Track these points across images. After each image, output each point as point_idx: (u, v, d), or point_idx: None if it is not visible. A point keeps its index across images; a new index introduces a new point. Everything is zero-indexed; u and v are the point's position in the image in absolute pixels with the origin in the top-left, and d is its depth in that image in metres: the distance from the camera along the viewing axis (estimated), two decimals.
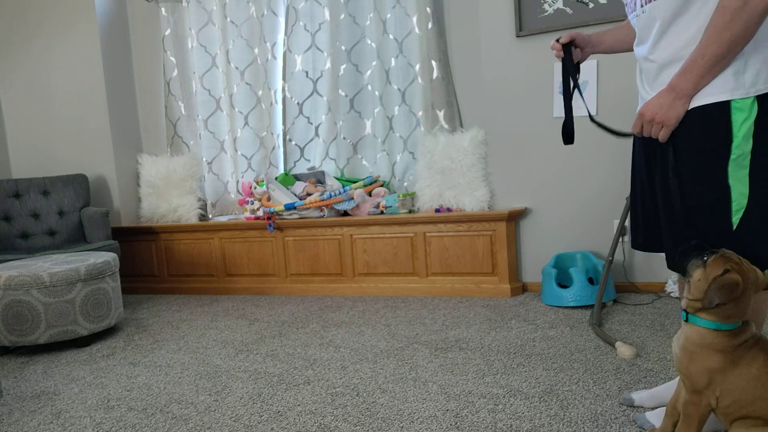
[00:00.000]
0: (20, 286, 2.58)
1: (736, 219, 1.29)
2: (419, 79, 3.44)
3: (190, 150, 4.06)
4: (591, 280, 2.85)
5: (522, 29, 3.07)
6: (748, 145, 1.28)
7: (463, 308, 2.92)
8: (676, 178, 1.36)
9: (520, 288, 3.17)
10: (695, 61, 1.28)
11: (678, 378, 1.40)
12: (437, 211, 3.29)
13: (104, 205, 4.01)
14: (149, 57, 4.11)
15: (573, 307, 2.79)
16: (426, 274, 3.27)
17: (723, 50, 1.25)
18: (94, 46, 3.89)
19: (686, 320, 1.27)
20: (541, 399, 1.78)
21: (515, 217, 3.17)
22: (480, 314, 2.79)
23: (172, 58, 3.99)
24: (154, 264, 3.92)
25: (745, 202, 1.29)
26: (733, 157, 1.28)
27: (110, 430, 1.79)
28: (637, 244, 1.59)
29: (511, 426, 1.62)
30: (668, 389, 1.65)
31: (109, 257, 2.87)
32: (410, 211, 3.40)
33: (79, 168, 4.04)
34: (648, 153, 1.51)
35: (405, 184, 3.61)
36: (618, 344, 2.13)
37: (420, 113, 3.48)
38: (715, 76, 1.29)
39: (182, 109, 4.03)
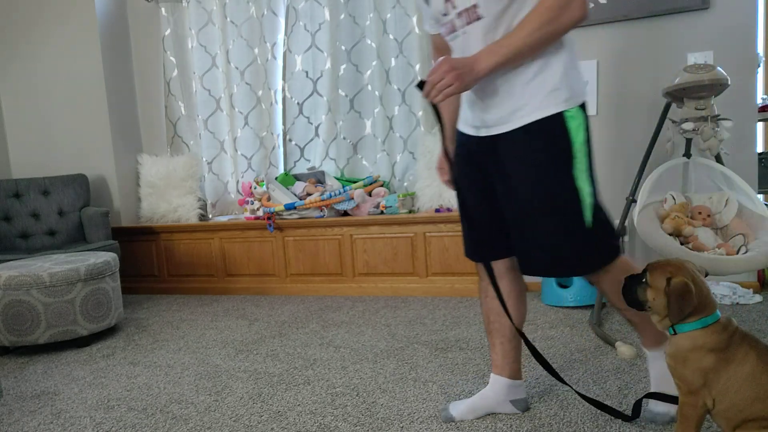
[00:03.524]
0: (20, 286, 2.58)
1: (588, 214, 1.41)
2: (419, 79, 3.43)
3: (190, 150, 4.06)
4: None
5: None
6: (584, 148, 1.41)
7: (463, 308, 2.92)
8: (528, 190, 1.42)
9: None
10: (501, 46, 1.34)
11: None
12: (437, 211, 3.29)
13: (104, 205, 4.01)
14: (149, 57, 4.11)
15: (573, 307, 2.79)
16: (426, 274, 3.27)
17: (526, 49, 1.33)
18: (94, 47, 3.88)
19: (674, 333, 1.28)
20: (541, 399, 1.78)
21: None
22: (480, 314, 2.79)
23: (172, 58, 3.99)
24: (154, 264, 3.92)
25: (591, 200, 1.41)
26: (576, 160, 1.39)
27: (110, 430, 1.79)
28: (473, 257, 1.66)
29: (511, 426, 1.62)
30: (483, 399, 1.69)
31: (109, 257, 2.87)
32: (410, 211, 3.40)
33: (79, 168, 4.04)
34: (474, 177, 1.56)
35: (405, 184, 3.61)
36: (618, 344, 2.13)
37: (420, 113, 3.47)
38: (509, 67, 1.37)
39: (182, 109, 4.03)
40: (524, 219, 1.45)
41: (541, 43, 1.33)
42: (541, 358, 1.52)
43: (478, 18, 1.40)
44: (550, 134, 1.39)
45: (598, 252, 1.44)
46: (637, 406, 1.58)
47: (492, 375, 1.71)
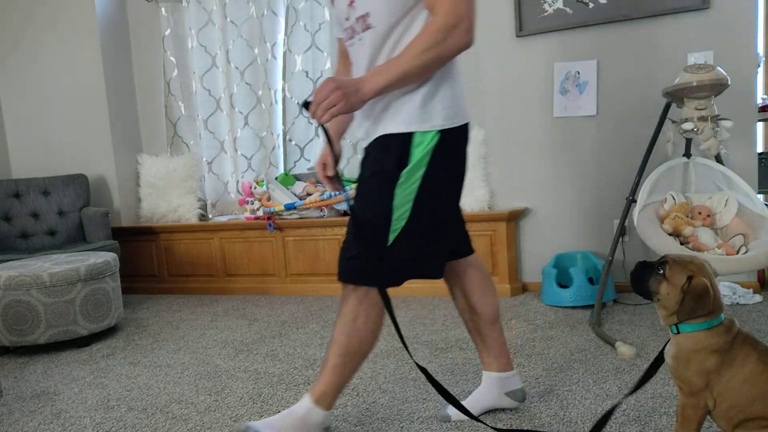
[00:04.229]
0: (20, 286, 2.58)
1: (392, 236, 1.41)
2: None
3: (190, 150, 4.06)
4: (591, 280, 2.85)
5: (522, 29, 3.07)
6: (420, 172, 1.39)
7: None
8: (357, 194, 1.47)
9: (520, 288, 3.17)
10: (388, 68, 1.33)
11: None
12: None
13: (104, 205, 4.01)
14: (149, 57, 4.11)
15: (573, 307, 2.79)
16: None
17: (413, 71, 1.33)
18: (94, 46, 3.88)
19: (677, 332, 1.27)
20: (541, 399, 1.78)
21: (515, 217, 3.17)
22: None
23: (172, 58, 3.99)
24: (154, 264, 3.92)
25: (402, 223, 1.40)
26: (400, 181, 1.39)
27: (110, 430, 1.79)
28: None
29: (511, 426, 1.62)
30: (479, 397, 1.69)
31: (109, 257, 2.87)
32: None
33: (79, 168, 4.04)
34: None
35: None
36: (618, 344, 2.13)
37: None
38: (396, 89, 1.36)
39: (182, 109, 4.03)
40: (353, 219, 1.47)
41: (428, 67, 1.33)
42: (442, 388, 1.48)
43: (369, 27, 1.40)
44: (389, 149, 1.41)
45: (387, 273, 1.43)
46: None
47: (483, 373, 1.72)
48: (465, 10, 1.31)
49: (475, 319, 1.67)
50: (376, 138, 1.45)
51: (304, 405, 1.50)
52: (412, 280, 1.49)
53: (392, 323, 1.40)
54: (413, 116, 1.39)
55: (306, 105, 1.36)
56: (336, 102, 1.30)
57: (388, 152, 1.41)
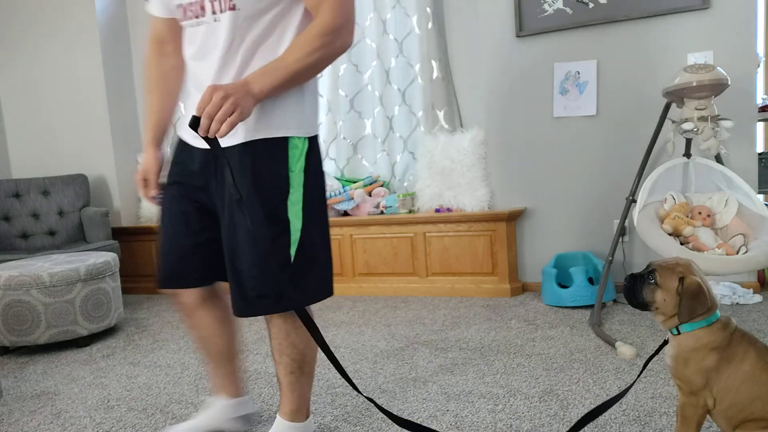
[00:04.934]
0: (20, 286, 2.58)
1: (293, 251, 1.33)
2: (419, 79, 3.44)
3: None
4: (591, 280, 2.85)
5: (522, 29, 3.07)
6: (301, 179, 1.34)
7: (463, 308, 2.92)
8: (248, 213, 1.30)
9: (520, 288, 3.17)
10: (277, 68, 1.24)
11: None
12: (437, 211, 3.29)
13: (104, 205, 4.01)
14: None
15: (573, 307, 2.79)
16: (426, 274, 3.27)
17: (302, 72, 1.25)
18: (94, 46, 3.88)
19: (677, 333, 1.27)
20: (541, 399, 1.78)
21: (515, 217, 3.17)
22: (480, 314, 2.79)
23: None
24: (154, 264, 3.92)
25: (298, 235, 1.34)
26: (291, 191, 1.33)
27: (110, 430, 1.79)
28: (164, 282, 1.49)
29: (511, 426, 1.62)
30: (206, 419, 1.62)
31: (109, 257, 2.87)
32: (410, 211, 3.40)
33: (79, 168, 4.04)
34: (190, 191, 1.44)
35: (405, 184, 3.61)
36: (618, 344, 2.13)
37: (420, 113, 3.48)
38: (284, 90, 1.28)
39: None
40: (235, 244, 1.34)
41: (316, 68, 1.27)
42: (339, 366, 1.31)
43: (232, 8, 1.25)
44: (275, 157, 1.32)
45: (298, 291, 1.34)
46: None
47: (214, 397, 1.67)
48: (350, 10, 1.26)
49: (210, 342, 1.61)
50: (255, 141, 1.32)
51: (282, 428, 1.47)
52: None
53: (322, 349, 1.27)
54: (290, 120, 1.33)
55: (194, 124, 1.21)
56: (231, 109, 1.17)
57: (276, 160, 1.32)
